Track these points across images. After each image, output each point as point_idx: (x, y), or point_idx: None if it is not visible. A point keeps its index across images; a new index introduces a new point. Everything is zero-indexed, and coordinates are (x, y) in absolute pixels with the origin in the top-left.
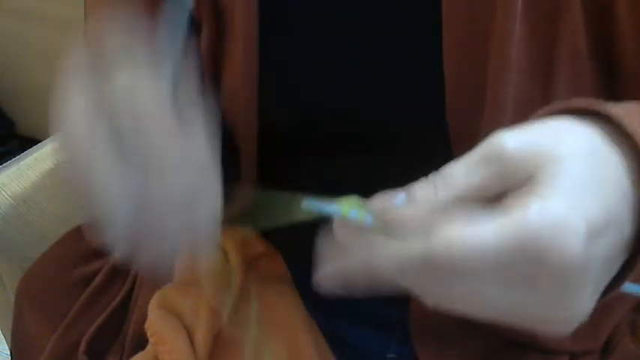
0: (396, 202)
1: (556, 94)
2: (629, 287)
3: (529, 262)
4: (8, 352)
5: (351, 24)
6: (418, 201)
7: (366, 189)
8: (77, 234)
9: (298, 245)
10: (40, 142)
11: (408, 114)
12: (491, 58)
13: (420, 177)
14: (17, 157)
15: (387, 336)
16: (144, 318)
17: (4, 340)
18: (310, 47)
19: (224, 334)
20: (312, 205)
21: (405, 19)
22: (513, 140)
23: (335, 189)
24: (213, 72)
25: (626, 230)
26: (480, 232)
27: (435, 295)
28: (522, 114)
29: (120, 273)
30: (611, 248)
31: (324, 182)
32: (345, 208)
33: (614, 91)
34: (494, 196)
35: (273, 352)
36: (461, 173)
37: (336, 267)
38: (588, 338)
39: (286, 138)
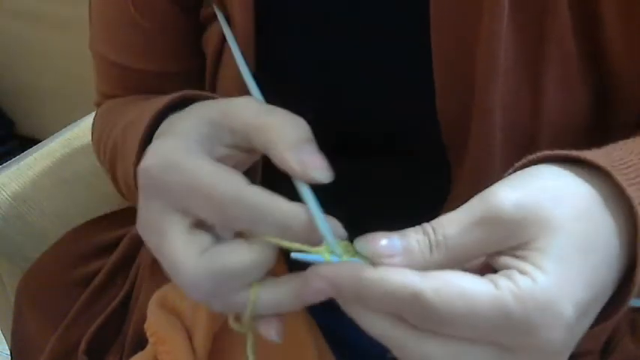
0: (390, 250)
1: (545, 95)
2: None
3: (512, 334)
4: (8, 352)
5: (349, 24)
6: (413, 257)
7: (364, 189)
8: (77, 234)
9: None
10: (40, 142)
11: (406, 114)
12: (479, 59)
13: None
14: (17, 157)
15: None
16: (144, 318)
17: (4, 340)
18: (308, 48)
19: (224, 334)
20: (298, 256)
21: (404, 20)
22: (511, 202)
23: (334, 190)
24: (213, 73)
25: (605, 300)
26: (473, 290)
27: (412, 354)
28: (511, 115)
29: (120, 273)
30: (589, 323)
31: (322, 186)
32: (327, 258)
33: (603, 92)
34: (488, 255)
35: (272, 351)
36: (455, 235)
37: (328, 274)
38: (588, 338)
39: None
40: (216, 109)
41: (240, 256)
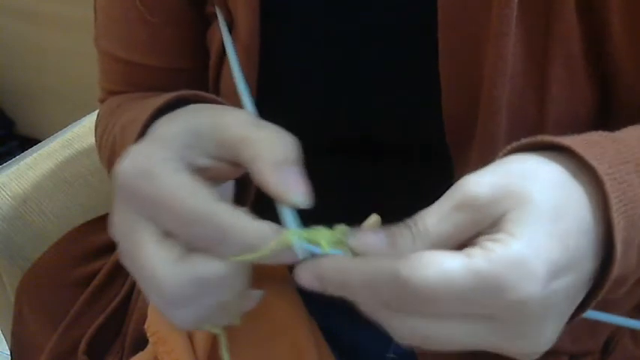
0: (376, 243)
1: (550, 95)
2: (591, 314)
3: (490, 299)
4: (8, 352)
5: (353, 23)
6: (398, 248)
7: (366, 189)
8: (77, 234)
9: None
10: (40, 142)
11: (411, 114)
12: (486, 60)
13: (421, 178)
14: (17, 157)
15: (387, 336)
16: (144, 318)
17: (4, 340)
18: (311, 47)
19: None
20: (297, 245)
21: (410, 20)
22: (483, 186)
23: (334, 190)
24: (216, 70)
25: (587, 266)
26: (447, 263)
27: (403, 332)
28: (517, 116)
29: (120, 273)
30: (571, 286)
31: (324, 184)
32: (325, 248)
33: (608, 92)
34: (469, 238)
35: (273, 351)
36: (435, 223)
37: (313, 268)
38: (588, 338)
39: None
40: (205, 119)
41: (215, 267)
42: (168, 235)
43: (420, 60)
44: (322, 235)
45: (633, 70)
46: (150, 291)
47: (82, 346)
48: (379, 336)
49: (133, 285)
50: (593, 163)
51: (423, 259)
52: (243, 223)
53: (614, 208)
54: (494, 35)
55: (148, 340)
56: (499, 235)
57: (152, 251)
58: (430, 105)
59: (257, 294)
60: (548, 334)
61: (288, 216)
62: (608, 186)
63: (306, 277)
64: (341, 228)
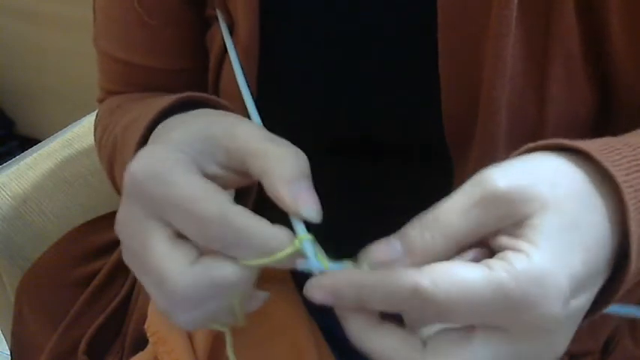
0: (392, 254)
1: (550, 95)
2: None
3: (509, 313)
4: (8, 352)
5: (352, 24)
6: (416, 253)
7: (366, 188)
8: (77, 234)
9: None
10: (40, 142)
11: (410, 114)
12: (486, 61)
13: (421, 178)
14: (17, 157)
15: None
16: (144, 318)
17: (4, 340)
18: (311, 47)
19: (224, 334)
20: (300, 266)
21: (410, 20)
22: (506, 182)
23: (334, 190)
24: (216, 72)
25: (601, 280)
26: (469, 275)
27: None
28: (517, 116)
29: (120, 273)
30: (587, 301)
31: (324, 184)
32: (348, 265)
33: (607, 92)
34: (488, 234)
35: (273, 351)
36: (456, 218)
37: (327, 284)
38: (588, 338)
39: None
40: (217, 127)
41: (230, 270)
42: (180, 237)
43: (420, 60)
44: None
45: (633, 70)
46: (158, 292)
47: (82, 346)
48: None
49: (133, 285)
50: (612, 170)
51: (443, 272)
52: (259, 227)
53: (631, 216)
54: (493, 36)
55: (147, 340)
56: (521, 244)
57: (164, 253)
58: (430, 105)
59: (263, 295)
60: (558, 348)
61: (299, 226)
62: (626, 194)
63: (318, 293)
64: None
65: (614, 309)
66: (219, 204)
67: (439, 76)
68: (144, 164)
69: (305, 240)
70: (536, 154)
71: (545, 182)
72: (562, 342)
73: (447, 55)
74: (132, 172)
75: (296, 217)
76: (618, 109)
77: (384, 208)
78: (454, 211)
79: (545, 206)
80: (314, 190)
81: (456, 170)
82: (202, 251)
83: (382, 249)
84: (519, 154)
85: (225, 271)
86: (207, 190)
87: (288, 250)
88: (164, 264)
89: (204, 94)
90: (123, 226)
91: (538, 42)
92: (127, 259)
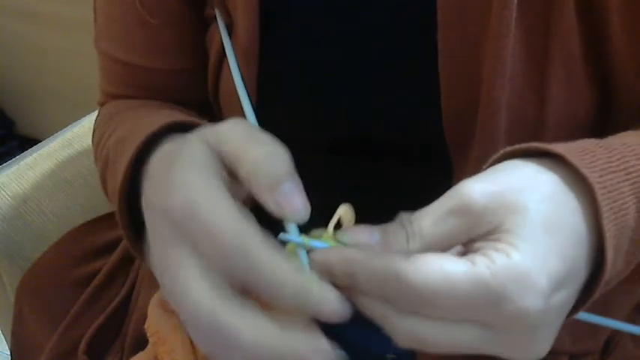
0: (370, 240)
1: (550, 96)
2: (587, 317)
3: (490, 308)
4: (8, 353)
5: (352, 23)
6: (391, 247)
7: (365, 188)
8: (77, 234)
9: None
10: (40, 142)
11: (410, 114)
12: (485, 61)
13: (420, 178)
14: (17, 157)
15: (387, 336)
16: (144, 318)
17: (4, 341)
18: (311, 47)
19: None
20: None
21: (410, 19)
22: (480, 193)
23: (334, 190)
24: (216, 72)
25: (581, 276)
26: (451, 267)
27: (403, 334)
28: (517, 116)
29: (120, 273)
30: (568, 298)
31: (324, 184)
32: (327, 242)
33: (607, 92)
34: (462, 243)
35: None
36: (429, 225)
37: (320, 258)
38: (588, 338)
39: (285, 141)
40: (210, 135)
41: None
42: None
43: (419, 60)
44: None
45: (633, 70)
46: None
47: (82, 346)
48: (379, 336)
49: (133, 285)
50: (585, 172)
51: (427, 260)
52: (295, 275)
53: (604, 215)
54: (493, 36)
55: (147, 340)
56: (500, 245)
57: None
58: (430, 105)
59: None
60: (543, 345)
61: (291, 227)
62: (599, 194)
63: (314, 268)
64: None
65: (595, 318)
66: (279, 266)
67: (439, 76)
68: (177, 198)
69: (298, 248)
70: (510, 161)
71: (515, 189)
72: (546, 338)
73: (447, 55)
74: (166, 210)
75: (286, 221)
76: (618, 109)
77: (384, 208)
78: (430, 216)
79: (518, 211)
80: (298, 189)
81: (455, 170)
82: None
83: (363, 232)
84: (496, 160)
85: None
86: (243, 226)
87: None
88: (233, 324)
89: (194, 119)
90: (162, 271)
91: (538, 42)
92: (167, 296)
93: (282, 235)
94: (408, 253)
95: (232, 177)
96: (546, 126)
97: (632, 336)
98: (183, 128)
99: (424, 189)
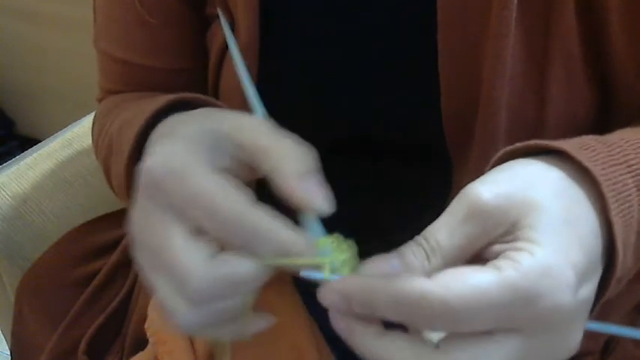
0: (390, 267)
1: (550, 96)
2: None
3: (523, 310)
4: (8, 353)
5: (352, 23)
6: (414, 269)
7: (365, 188)
8: (77, 234)
9: None
10: (40, 142)
11: (410, 114)
12: (485, 61)
13: (421, 178)
14: (17, 157)
15: None
16: (144, 318)
17: (4, 341)
18: (311, 47)
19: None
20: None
21: (410, 19)
22: (490, 194)
23: (333, 190)
24: (216, 71)
25: (599, 271)
26: (480, 278)
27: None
28: (516, 116)
29: (120, 273)
30: (592, 291)
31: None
32: (327, 276)
33: (606, 92)
34: (481, 248)
35: (273, 351)
36: (446, 237)
37: (340, 288)
38: (588, 338)
39: None
40: (227, 122)
41: (246, 266)
42: (198, 233)
43: (419, 60)
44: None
45: (633, 71)
46: (171, 287)
47: (82, 346)
48: None
49: (133, 285)
50: (589, 165)
51: (451, 276)
52: (279, 230)
53: (611, 208)
54: (493, 36)
55: (147, 340)
56: (519, 244)
57: (182, 246)
58: (430, 105)
59: (269, 317)
60: (575, 340)
61: (313, 225)
62: (604, 187)
63: (331, 298)
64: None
65: (596, 326)
66: (239, 202)
67: (439, 76)
68: (160, 160)
69: (326, 258)
70: (513, 161)
71: (527, 186)
72: (575, 334)
73: (447, 55)
74: (148, 169)
75: (309, 212)
76: (618, 109)
77: (384, 208)
78: (445, 228)
79: (532, 207)
80: (324, 184)
81: (455, 170)
82: (222, 247)
83: (381, 263)
84: (497, 160)
85: (242, 267)
86: (226, 187)
87: (308, 260)
88: (182, 257)
89: (199, 95)
90: (138, 223)
91: (538, 42)
92: (140, 257)
93: (303, 273)
94: (429, 273)
95: (244, 169)
96: (546, 126)
97: None
98: (190, 105)
99: (424, 189)
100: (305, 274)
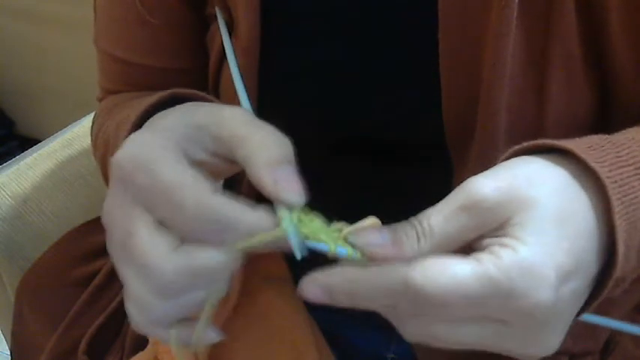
0: (380, 240)
1: (550, 96)
2: (590, 318)
3: (501, 304)
4: (8, 352)
5: (353, 24)
6: (403, 246)
7: (365, 188)
8: (77, 234)
9: None
10: (40, 142)
11: (410, 114)
12: (485, 62)
13: (420, 178)
14: (17, 157)
15: (387, 336)
16: None
17: (4, 340)
18: (311, 47)
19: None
20: (292, 236)
21: (411, 19)
22: (491, 188)
23: (333, 190)
24: (216, 71)
25: (591, 269)
26: (458, 268)
27: (413, 331)
28: (516, 116)
29: None
30: (578, 290)
31: (323, 184)
32: (332, 247)
33: (606, 92)
34: (471, 240)
35: (273, 352)
36: (440, 223)
37: (321, 279)
38: (588, 338)
39: None
40: (204, 114)
41: (212, 255)
42: (163, 224)
43: (420, 60)
44: (322, 231)
45: (632, 71)
46: (138, 280)
47: (82, 346)
48: (379, 336)
49: None
50: (595, 166)
51: (434, 266)
52: (243, 213)
53: (615, 210)
54: (493, 35)
55: (147, 340)
56: (506, 240)
57: (147, 239)
58: (430, 105)
59: (219, 334)
60: (555, 338)
61: (284, 214)
62: (610, 189)
63: (313, 291)
64: (339, 226)
65: (598, 319)
66: (198, 191)
67: (439, 76)
68: (130, 152)
69: (287, 222)
70: (516, 158)
71: (525, 183)
72: (557, 331)
73: (448, 55)
74: (118, 160)
75: (281, 203)
76: (618, 109)
77: (384, 208)
78: (440, 214)
79: (528, 205)
80: (297, 175)
81: (456, 170)
82: (184, 240)
83: (372, 233)
84: (506, 158)
85: (207, 256)
86: (188, 178)
87: (273, 233)
88: (147, 250)
89: (193, 91)
90: (108, 214)
91: (538, 43)
92: (111, 248)
93: (309, 244)
94: (416, 255)
95: (224, 161)
96: (546, 126)
97: (632, 336)
98: (183, 100)
99: (424, 189)
100: (311, 245)
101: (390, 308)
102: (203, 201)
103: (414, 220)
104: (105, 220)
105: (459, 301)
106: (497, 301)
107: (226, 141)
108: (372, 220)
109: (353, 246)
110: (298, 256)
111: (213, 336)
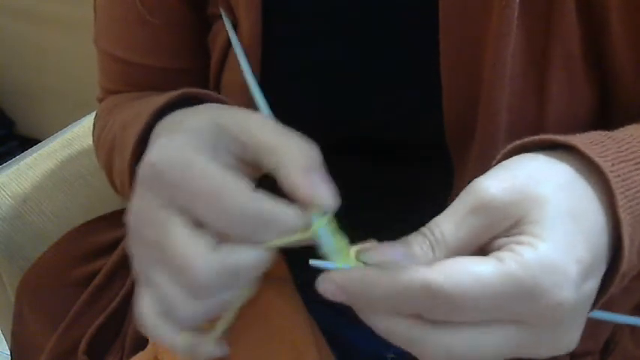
0: (395, 258)
1: (550, 96)
2: (595, 313)
3: (524, 303)
4: (8, 352)
5: (354, 25)
6: (418, 259)
7: (366, 188)
8: (77, 234)
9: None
10: (40, 142)
11: (411, 115)
12: (486, 62)
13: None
14: (17, 157)
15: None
16: None
17: (4, 341)
18: (312, 48)
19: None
20: (315, 264)
21: (412, 20)
22: (498, 188)
23: (336, 189)
24: (218, 72)
25: (603, 267)
26: (480, 268)
27: (433, 351)
28: (517, 116)
29: (120, 273)
30: (595, 287)
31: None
32: (339, 265)
33: (607, 92)
34: (485, 242)
35: (273, 352)
36: (452, 229)
37: (339, 278)
38: (588, 338)
39: None
40: (232, 120)
41: (252, 255)
42: (199, 224)
43: (420, 60)
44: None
45: (632, 71)
46: (173, 281)
47: (82, 346)
48: (379, 336)
49: (133, 285)
50: (599, 160)
51: (454, 266)
52: (284, 211)
53: (620, 204)
54: (494, 35)
55: (147, 340)
56: (523, 238)
57: (186, 240)
58: (430, 105)
59: (224, 348)
60: (573, 336)
61: (319, 218)
62: (614, 183)
63: (330, 288)
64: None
65: (603, 315)
66: (240, 190)
67: (440, 76)
68: (164, 153)
69: (320, 223)
70: (520, 155)
71: (532, 181)
72: (577, 329)
73: (448, 55)
74: (151, 162)
75: (315, 208)
76: (618, 109)
77: (384, 208)
78: (451, 220)
79: (538, 202)
80: (329, 180)
81: (456, 170)
82: (220, 240)
83: (385, 250)
84: (507, 154)
85: (245, 255)
86: (229, 178)
87: (307, 234)
88: (186, 251)
89: (204, 90)
90: (136, 214)
91: (538, 43)
92: (137, 250)
93: (312, 262)
94: (430, 263)
95: (247, 166)
96: (547, 126)
97: (632, 336)
98: (194, 100)
99: (424, 188)
100: (314, 263)
101: (407, 330)
102: (246, 200)
103: (425, 230)
104: (132, 221)
105: (481, 301)
106: (520, 299)
107: (254, 148)
108: (372, 244)
109: (365, 264)
110: (331, 260)
111: (223, 349)
